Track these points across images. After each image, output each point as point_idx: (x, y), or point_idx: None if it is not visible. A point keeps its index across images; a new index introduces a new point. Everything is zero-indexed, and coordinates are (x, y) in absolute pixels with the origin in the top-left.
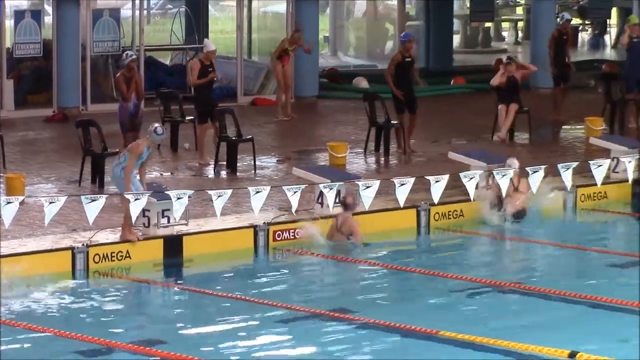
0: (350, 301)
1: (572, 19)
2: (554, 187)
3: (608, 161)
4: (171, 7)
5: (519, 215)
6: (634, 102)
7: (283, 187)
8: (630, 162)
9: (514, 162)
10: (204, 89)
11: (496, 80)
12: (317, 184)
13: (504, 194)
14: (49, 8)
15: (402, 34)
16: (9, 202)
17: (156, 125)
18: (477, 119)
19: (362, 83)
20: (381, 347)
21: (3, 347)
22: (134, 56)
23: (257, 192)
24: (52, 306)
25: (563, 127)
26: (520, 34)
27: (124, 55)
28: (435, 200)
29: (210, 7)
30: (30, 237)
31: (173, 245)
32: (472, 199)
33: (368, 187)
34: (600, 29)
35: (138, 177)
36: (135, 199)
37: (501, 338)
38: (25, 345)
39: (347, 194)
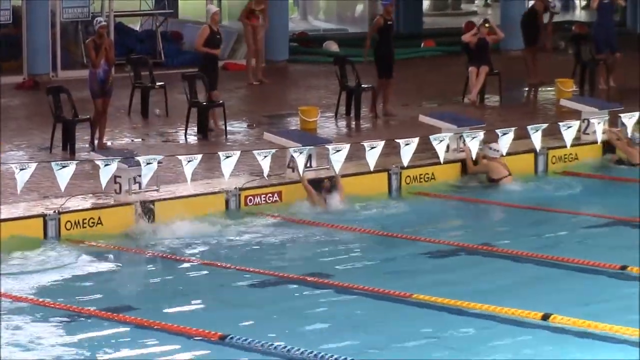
0: (323, 265)
1: None
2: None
3: (577, 122)
4: None
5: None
6: (603, 62)
7: (253, 152)
8: (599, 123)
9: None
10: (212, 59)
11: (467, 37)
12: (288, 149)
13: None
14: None
15: None
16: None
17: None
18: (448, 81)
19: (333, 47)
20: (355, 310)
21: None
22: (104, 22)
23: (227, 157)
24: (24, 273)
25: (535, 89)
26: None
27: (94, 21)
28: (405, 163)
29: None
30: (1, 204)
31: (144, 211)
32: (441, 162)
33: (338, 151)
34: None
35: None
36: (105, 165)
37: (474, 301)
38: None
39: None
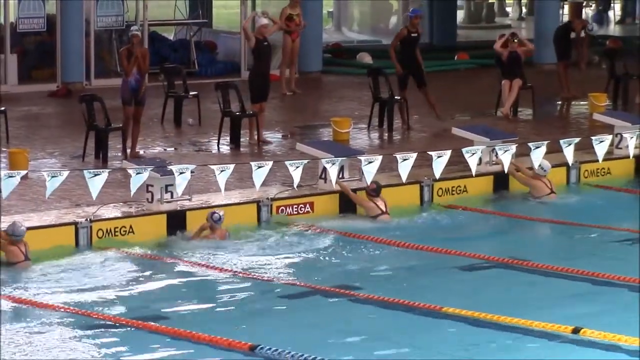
0: (354, 277)
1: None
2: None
3: (610, 137)
4: None
5: None
6: (638, 78)
7: (285, 162)
8: (632, 137)
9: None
10: (260, 69)
11: (498, 45)
12: (320, 159)
13: None
14: None
15: (411, 10)
16: (10, 176)
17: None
18: (481, 94)
19: (366, 58)
20: (385, 323)
21: (9, 326)
22: (136, 32)
23: (260, 167)
24: (56, 281)
25: (567, 103)
26: (524, 10)
27: (129, 30)
28: (437, 176)
29: None
30: (33, 212)
31: (176, 221)
32: (473, 174)
33: (370, 162)
34: (604, 5)
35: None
36: (137, 173)
37: (505, 314)
38: (34, 323)
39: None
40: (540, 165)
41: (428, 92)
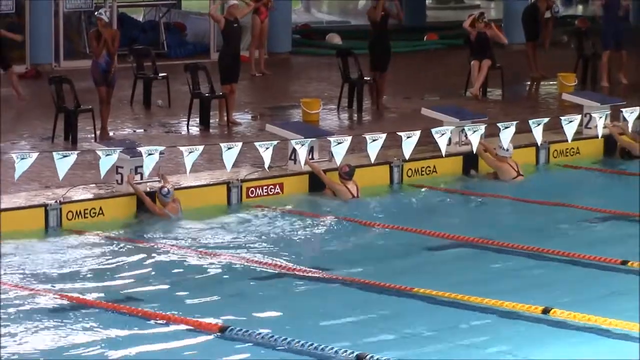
0: (325, 258)
1: None
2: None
3: (579, 117)
4: None
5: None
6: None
7: (255, 143)
8: (600, 117)
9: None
10: (230, 51)
11: (467, 23)
12: (290, 140)
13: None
14: None
15: None
16: None
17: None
18: (450, 75)
19: (335, 39)
20: (355, 303)
21: None
22: (99, 14)
23: (229, 148)
24: (26, 263)
25: (537, 83)
26: None
27: (97, 13)
28: (407, 156)
29: None
30: (3, 194)
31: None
32: (443, 155)
33: (340, 143)
34: None
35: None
36: (107, 155)
37: (474, 294)
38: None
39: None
40: (501, 146)
41: (384, 79)
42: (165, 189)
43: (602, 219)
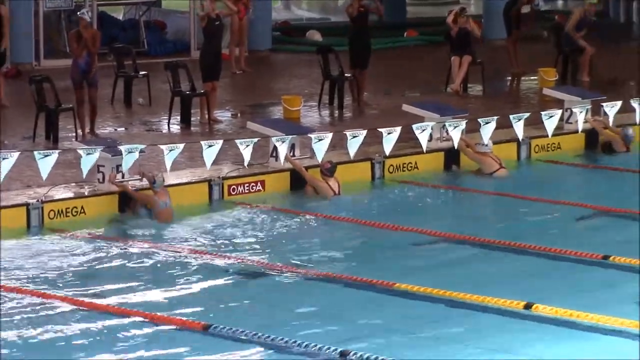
0: (307, 255)
1: None
2: None
3: (559, 112)
4: None
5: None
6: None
7: (235, 141)
8: (581, 112)
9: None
10: (212, 48)
11: (450, 19)
12: (271, 138)
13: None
14: None
15: None
16: None
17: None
18: (431, 71)
19: (315, 36)
20: (337, 300)
21: None
22: (81, 14)
23: (210, 146)
24: (8, 262)
25: (517, 78)
26: None
27: (79, 12)
28: (387, 152)
29: None
30: None
31: (128, 201)
32: (424, 151)
33: (320, 140)
34: None
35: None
36: (88, 154)
37: (457, 290)
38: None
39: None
40: (480, 142)
41: (364, 76)
42: (153, 178)
43: (584, 214)
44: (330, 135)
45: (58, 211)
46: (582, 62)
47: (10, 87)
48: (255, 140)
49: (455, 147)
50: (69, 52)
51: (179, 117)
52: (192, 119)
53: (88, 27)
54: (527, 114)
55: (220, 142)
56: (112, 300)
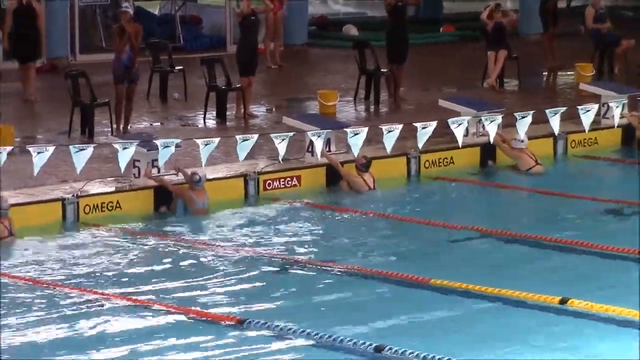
0: (343, 250)
1: None
2: None
3: (596, 106)
4: None
5: None
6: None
7: (271, 135)
8: (618, 107)
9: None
10: (248, 43)
11: (484, 15)
12: (307, 132)
13: None
14: None
15: None
16: None
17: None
18: (467, 66)
19: (352, 31)
20: (373, 295)
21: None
22: (125, 8)
23: (245, 139)
24: (45, 257)
25: (554, 73)
26: None
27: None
28: (420, 146)
29: None
30: (20, 188)
31: (163, 195)
32: (459, 146)
33: (356, 134)
34: None
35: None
36: (124, 148)
37: (492, 285)
38: (23, 296)
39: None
40: (516, 137)
41: (402, 71)
42: (197, 177)
43: (621, 210)
44: (366, 129)
45: (93, 206)
46: (617, 54)
47: (46, 82)
48: (291, 134)
49: (491, 142)
50: (105, 46)
51: (214, 112)
52: (227, 113)
53: (131, 21)
54: (563, 109)
55: (255, 136)
56: (146, 295)
